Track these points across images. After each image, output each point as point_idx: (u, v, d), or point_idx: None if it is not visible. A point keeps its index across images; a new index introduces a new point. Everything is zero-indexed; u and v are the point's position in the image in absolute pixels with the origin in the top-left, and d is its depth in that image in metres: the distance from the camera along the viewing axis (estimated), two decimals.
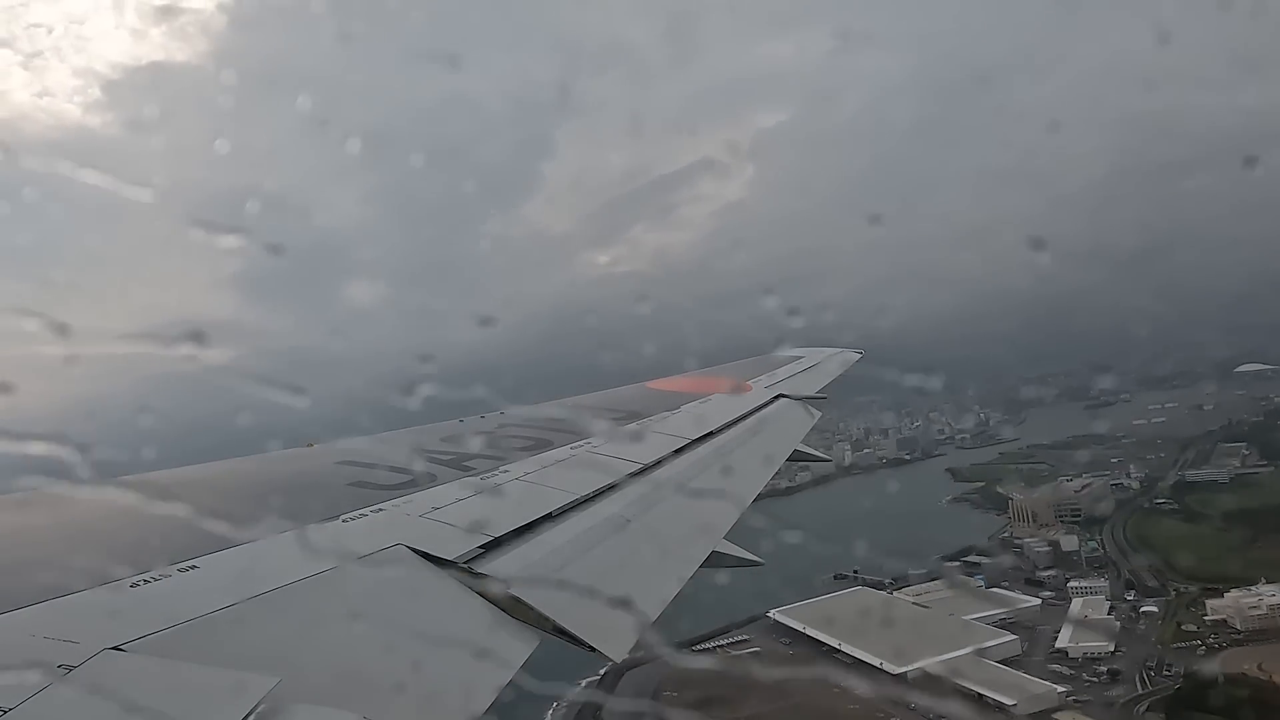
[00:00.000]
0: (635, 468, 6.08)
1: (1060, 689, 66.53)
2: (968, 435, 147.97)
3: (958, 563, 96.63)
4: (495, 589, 3.74)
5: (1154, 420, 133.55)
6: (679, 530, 5.64)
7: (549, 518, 4.76)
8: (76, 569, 3.10)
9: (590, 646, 3.64)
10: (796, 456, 8.81)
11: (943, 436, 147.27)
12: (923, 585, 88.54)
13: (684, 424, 7.87)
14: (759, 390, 10.54)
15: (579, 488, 5.31)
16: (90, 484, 4.70)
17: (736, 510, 6.27)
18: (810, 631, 78.29)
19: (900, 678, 65.04)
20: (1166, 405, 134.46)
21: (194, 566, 3.34)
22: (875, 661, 68.12)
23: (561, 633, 3.66)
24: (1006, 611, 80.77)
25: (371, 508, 4.43)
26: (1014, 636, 74.86)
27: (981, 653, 70.21)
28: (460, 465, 5.60)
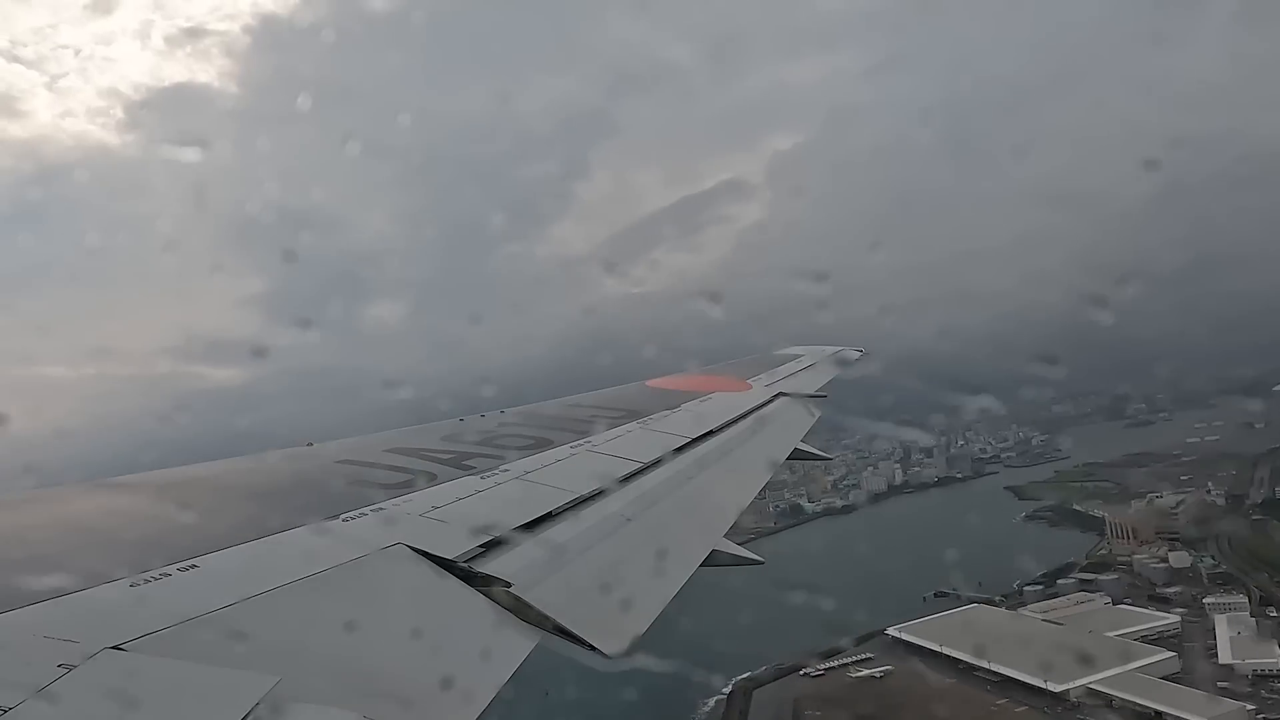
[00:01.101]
0: (635, 466, 6.08)
1: (1250, 706, 64.07)
2: (1013, 454, 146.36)
3: (1071, 579, 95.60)
4: (496, 588, 3.74)
5: (1207, 439, 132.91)
6: (679, 529, 5.64)
7: (549, 516, 4.76)
8: (76, 569, 3.10)
9: (591, 645, 3.65)
10: (797, 455, 8.81)
11: (985, 455, 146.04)
12: (1051, 602, 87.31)
13: (684, 423, 7.87)
14: (759, 389, 10.53)
15: (579, 486, 5.31)
16: (90, 484, 4.71)
17: (736, 509, 6.27)
18: (946, 650, 76.56)
19: (1061, 695, 64.68)
20: (1214, 424, 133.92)
21: (194, 566, 3.34)
22: (1031, 679, 66.89)
23: (562, 632, 3.66)
24: (1147, 629, 78.95)
25: (371, 507, 4.42)
26: (1172, 653, 72.66)
27: (1142, 670, 68.18)
28: (460, 464, 5.60)
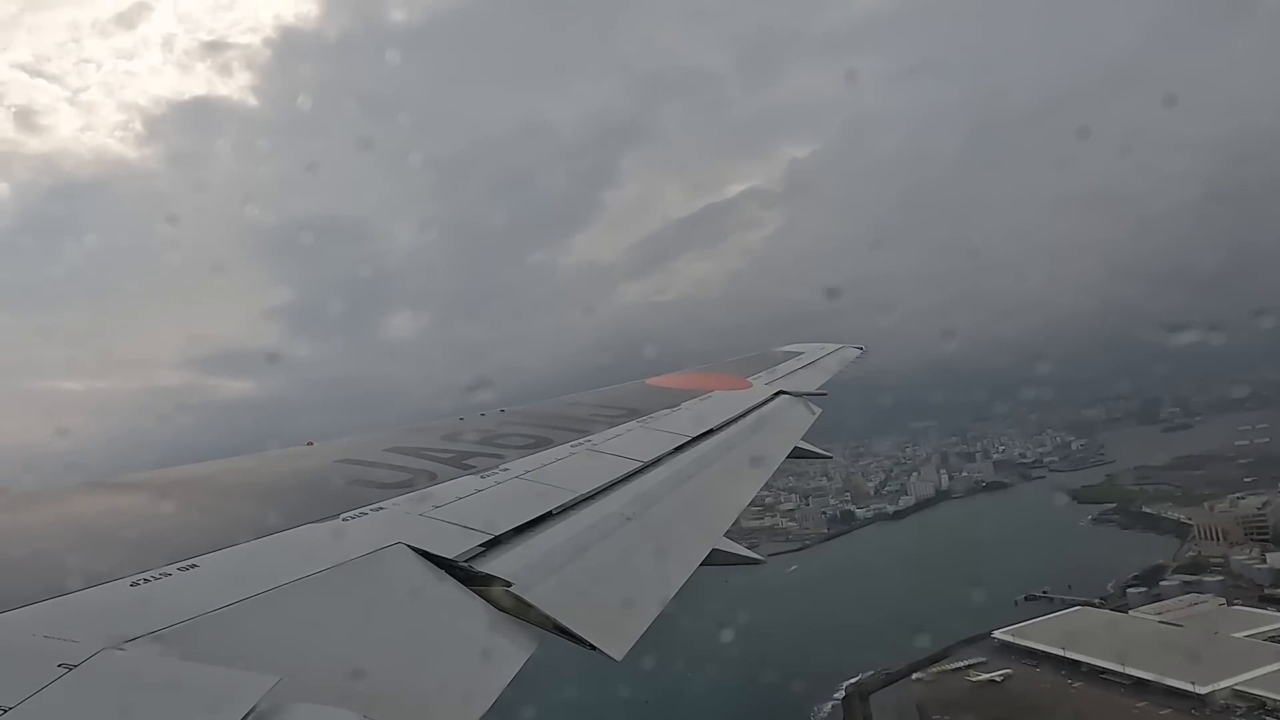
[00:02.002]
0: (635, 465, 6.08)
1: None
2: (1055, 459, 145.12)
3: (1174, 581, 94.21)
4: (496, 587, 3.74)
5: (1257, 440, 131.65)
6: (679, 528, 5.64)
7: (549, 516, 4.76)
8: (76, 568, 3.10)
9: (592, 645, 3.65)
10: (797, 453, 8.81)
11: (1027, 459, 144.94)
12: (1161, 603, 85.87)
13: (684, 421, 7.87)
14: (759, 387, 10.53)
15: (579, 485, 5.31)
16: (90, 484, 4.71)
17: (736, 508, 6.28)
18: (1069, 653, 74.99)
19: (1206, 698, 63.76)
20: (1258, 426, 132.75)
21: (194, 565, 3.34)
22: (1171, 682, 65.79)
23: (563, 631, 3.66)
24: (1272, 629, 77.14)
25: (371, 506, 4.42)
26: None
27: None
28: (460, 463, 5.60)
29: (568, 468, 5.87)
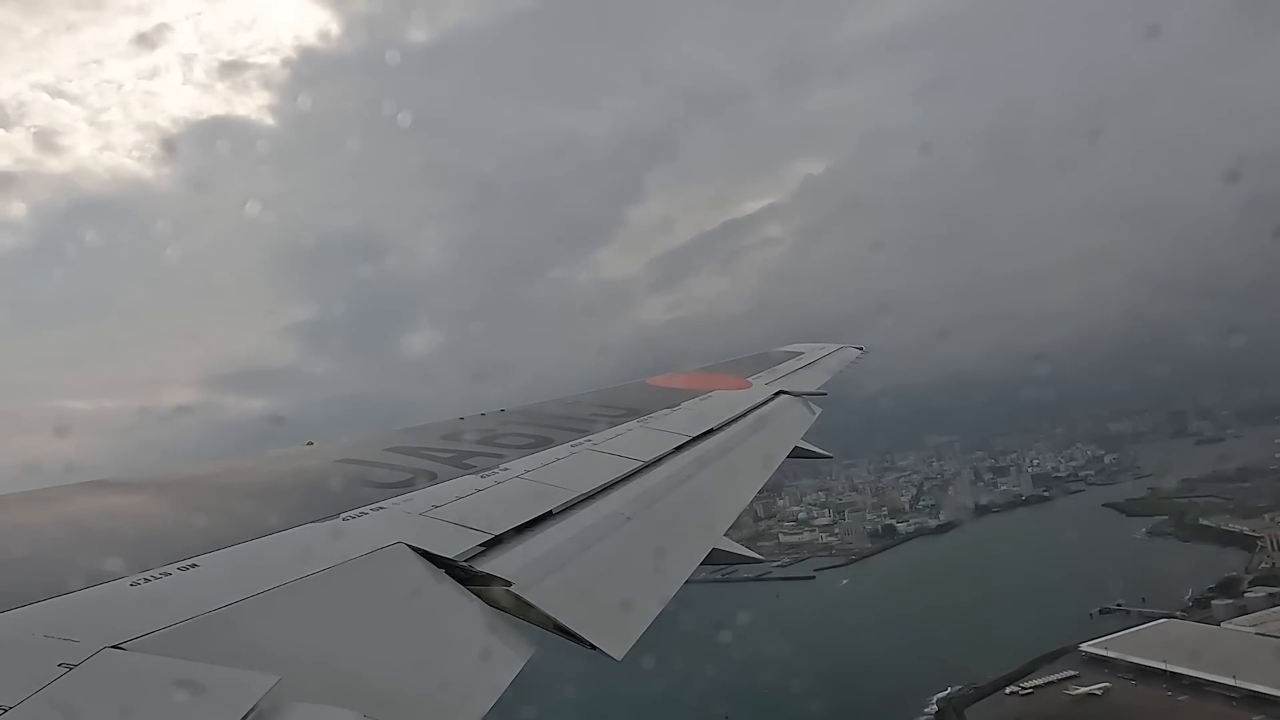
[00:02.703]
0: (636, 465, 6.08)
1: None
2: (1090, 472, 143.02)
3: (1260, 593, 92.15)
4: (496, 587, 3.74)
5: None
6: (680, 528, 5.64)
7: (550, 515, 4.75)
8: (76, 568, 3.09)
9: (592, 645, 3.64)
10: (798, 453, 8.81)
11: (1062, 473, 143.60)
12: (1257, 614, 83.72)
13: (684, 421, 7.86)
14: (759, 387, 10.53)
15: (580, 485, 5.30)
16: (90, 484, 4.70)
17: (737, 508, 6.27)
18: (1171, 667, 72.65)
19: None
20: None
21: (194, 565, 3.34)
22: None
23: (563, 631, 3.65)
24: None
25: (371, 506, 4.42)
26: None
27: None
28: (461, 463, 5.60)
29: (568, 467, 5.87)
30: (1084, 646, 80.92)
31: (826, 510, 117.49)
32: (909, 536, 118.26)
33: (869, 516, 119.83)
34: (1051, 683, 76.92)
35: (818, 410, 10.29)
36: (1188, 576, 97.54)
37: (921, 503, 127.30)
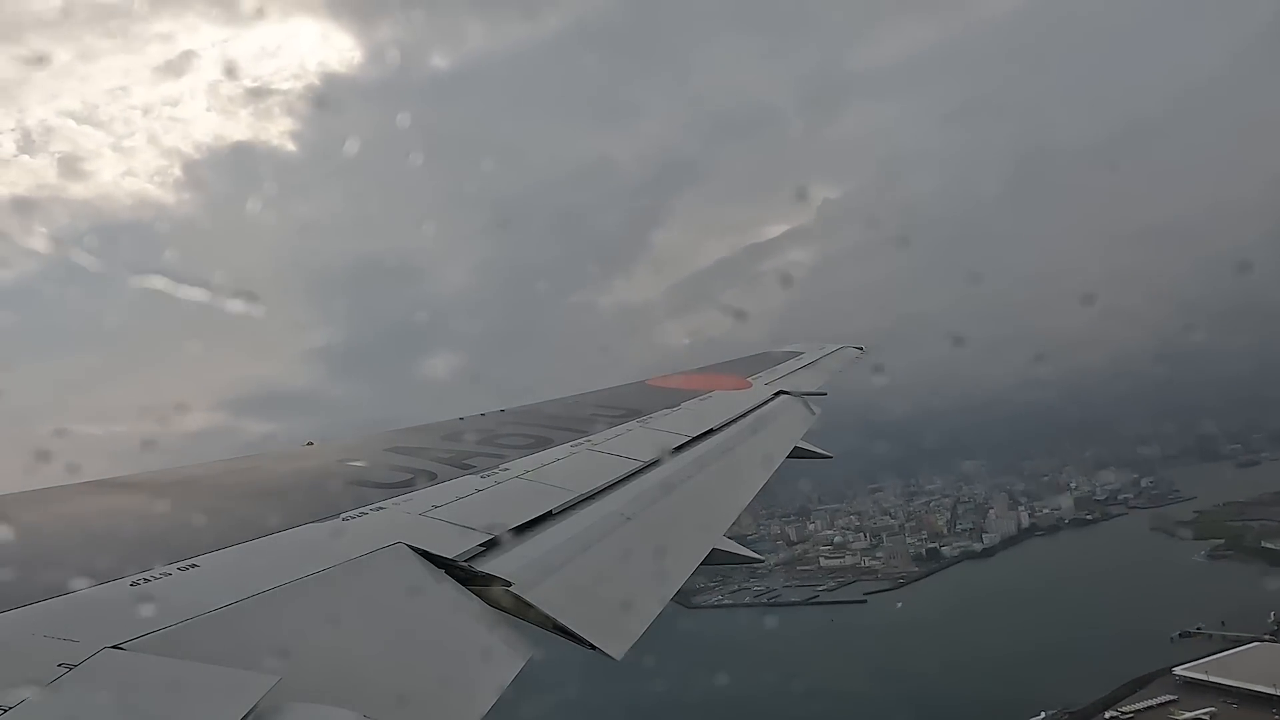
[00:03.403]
0: (635, 465, 6.08)
1: None
2: (1130, 495, 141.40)
3: None
4: (496, 587, 3.74)
5: None
6: (680, 528, 5.65)
7: (549, 516, 4.76)
8: (76, 568, 3.10)
9: (591, 645, 3.65)
10: (797, 454, 8.81)
11: (1101, 497, 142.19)
12: None
13: (684, 421, 7.87)
14: (759, 387, 10.53)
15: (579, 485, 5.30)
16: (90, 484, 4.70)
17: (737, 508, 6.27)
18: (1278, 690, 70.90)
19: None
20: None
21: (194, 565, 3.34)
22: None
23: (563, 631, 3.66)
24: None
25: (371, 506, 4.42)
26: None
27: None
28: (460, 463, 5.60)
29: (568, 468, 5.87)
30: (1177, 670, 79.35)
31: (862, 534, 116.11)
32: (955, 560, 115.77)
33: (909, 540, 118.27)
34: (1151, 707, 75.62)
35: (818, 410, 10.29)
36: (1265, 599, 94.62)
37: (959, 526, 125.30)
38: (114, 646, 2.56)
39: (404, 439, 6.45)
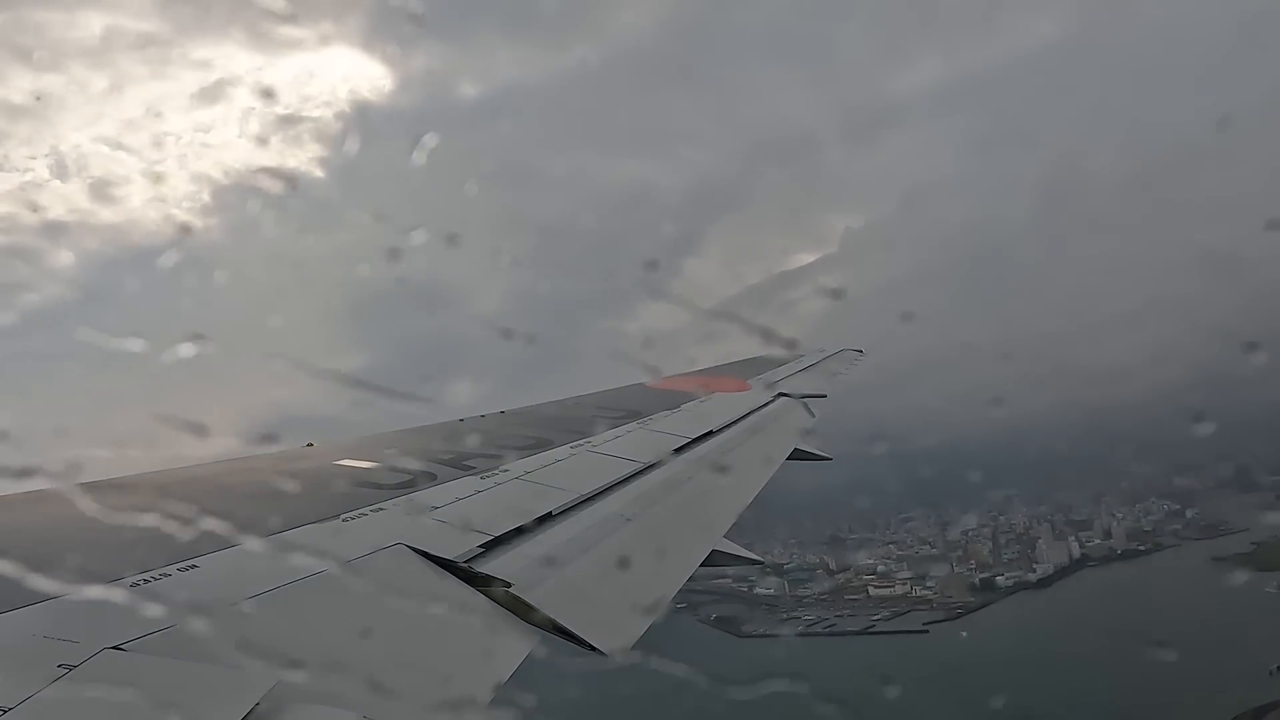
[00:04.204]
0: (635, 467, 6.08)
1: None
2: (1178, 526, 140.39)
3: None
4: (496, 588, 3.74)
5: None
6: (679, 529, 5.64)
7: (549, 517, 4.76)
8: (76, 569, 3.09)
9: (591, 645, 3.65)
10: (796, 455, 8.80)
11: (1147, 528, 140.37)
12: None
13: (684, 423, 7.87)
14: (759, 389, 10.53)
15: (579, 487, 5.31)
16: (90, 484, 4.70)
17: (736, 510, 6.27)
18: None
19: None
20: None
21: (194, 566, 3.34)
22: None
23: (562, 632, 3.65)
24: None
25: (371, 507, 4.42)
26: None
27: None
28: (460, 464, 5.60)
29: (568, 469, 5.87)
30: None
31: (904, 563, 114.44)
32: (1010, 590, 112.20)
33: (957, 569, 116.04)
34: None
35: (817, 413, 10.30)
36: None
37: (1005, 556, 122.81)
38: (114, 647, 2.56)
39: (404, 440, 6.45)
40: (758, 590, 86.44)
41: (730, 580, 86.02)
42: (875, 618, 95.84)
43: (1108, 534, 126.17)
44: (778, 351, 13.58)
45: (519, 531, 4.40)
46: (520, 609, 3.66)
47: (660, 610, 4.18)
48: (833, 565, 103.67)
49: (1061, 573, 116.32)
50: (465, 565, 3.87)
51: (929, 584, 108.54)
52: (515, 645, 3.46)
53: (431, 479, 5.17)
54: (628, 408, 8.22)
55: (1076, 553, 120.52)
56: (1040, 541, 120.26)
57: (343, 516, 4.22)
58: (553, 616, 3.65)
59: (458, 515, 4.49)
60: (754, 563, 5.70)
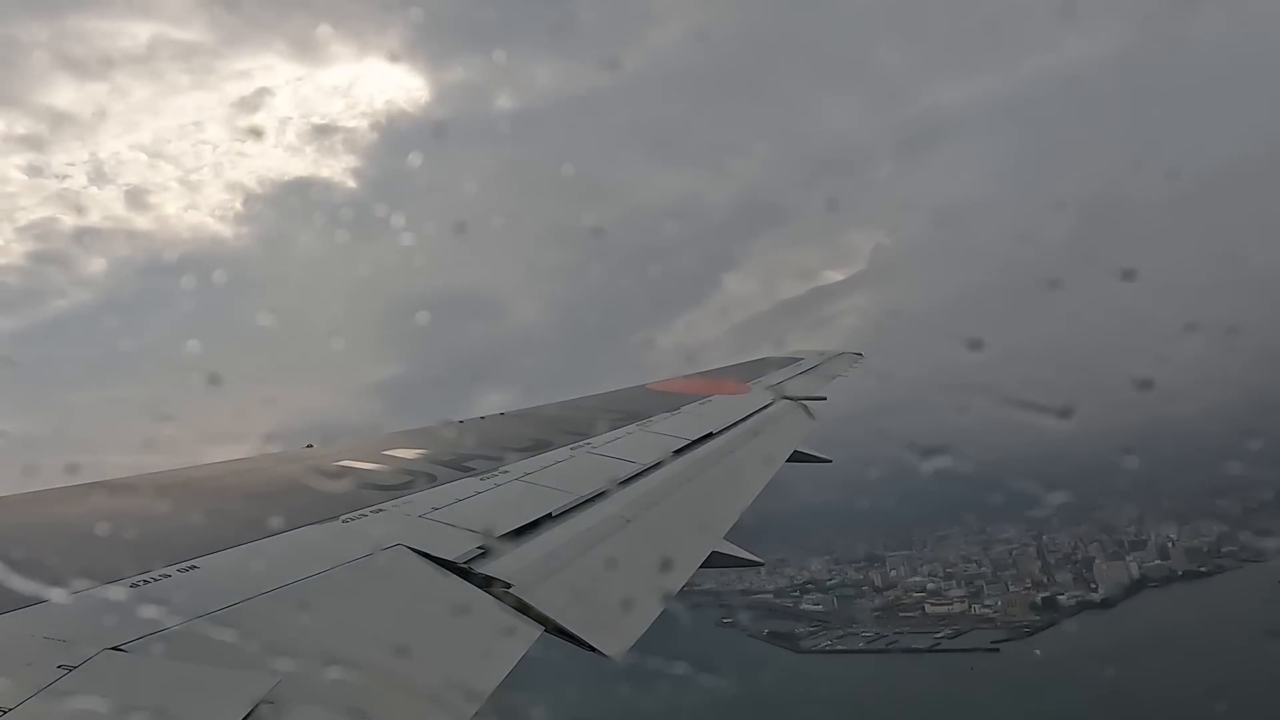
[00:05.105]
0: (635, 468, 6.08)
1: None
2: (1234, 548, 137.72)
3: None
4: (496, 589, 3.74)
5: None
6: (679, 530, 5.64)
7: (549, 518, 4.76)
8: (76, 569, 3.10)
9: (591, 646, 3.65)
10: (796, 457, 8.81)
11: (1205, 549, 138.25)
12: None
13: (684, 425, 7.88)
14: (759, 391, 10.54)
15: (579, 488, 5.31)
16: (90, 484, 4.70)
17: (736, 511, 6.27)
18: None
19: None
20: None
21: (194, 566, 3.34)
22: None
23: (562, 632, 3.66)
24: None
25: (371, 508, 4.42)
26: None
27: None
28: (460, 465, 5.60)
29: (567, 470, 5.88)
30: None
31: (953, 581, 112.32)
32: (1074, 610, 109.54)
33: (1011, 588, 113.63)
34: None
35: (816, 415, 10.30)
36: None
37: (1057, 575, 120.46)
38: (114, 648, 2.55)
39: (403, 441, 6.45)
40: (804, 606, 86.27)
41: (772, 595, 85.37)
42: (939, 635, 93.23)
43: (1163, 554, 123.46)
44: (778, 354, 13.60)
45: (519, 532, 4.40)
46: (520, 610, 3.66)
47: (660, 611, 4.18)
48: (878, 582, 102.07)
49: (1124, 593, 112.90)
50: (465, 566, 3.87)
51: (987, 602, 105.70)
52: (514, 646, 3.46)
53: (431, 480, 5.17)
54: (628, 409, 8.22)
55: (1135, 573, 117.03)
56: (1096, 561, 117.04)
57: (343, 518, 4.22)
58: (553, 617, 3.65)
59: (457, 516, 4.49)
60: (754, 564, 5.70)
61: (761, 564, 5.77)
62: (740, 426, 8.49)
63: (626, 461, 6.20)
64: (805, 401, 10.56)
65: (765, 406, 9.72)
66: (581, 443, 6.67)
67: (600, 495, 5.35)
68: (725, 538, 5.70)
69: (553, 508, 4.87)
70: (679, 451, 6.95)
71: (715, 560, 5.36)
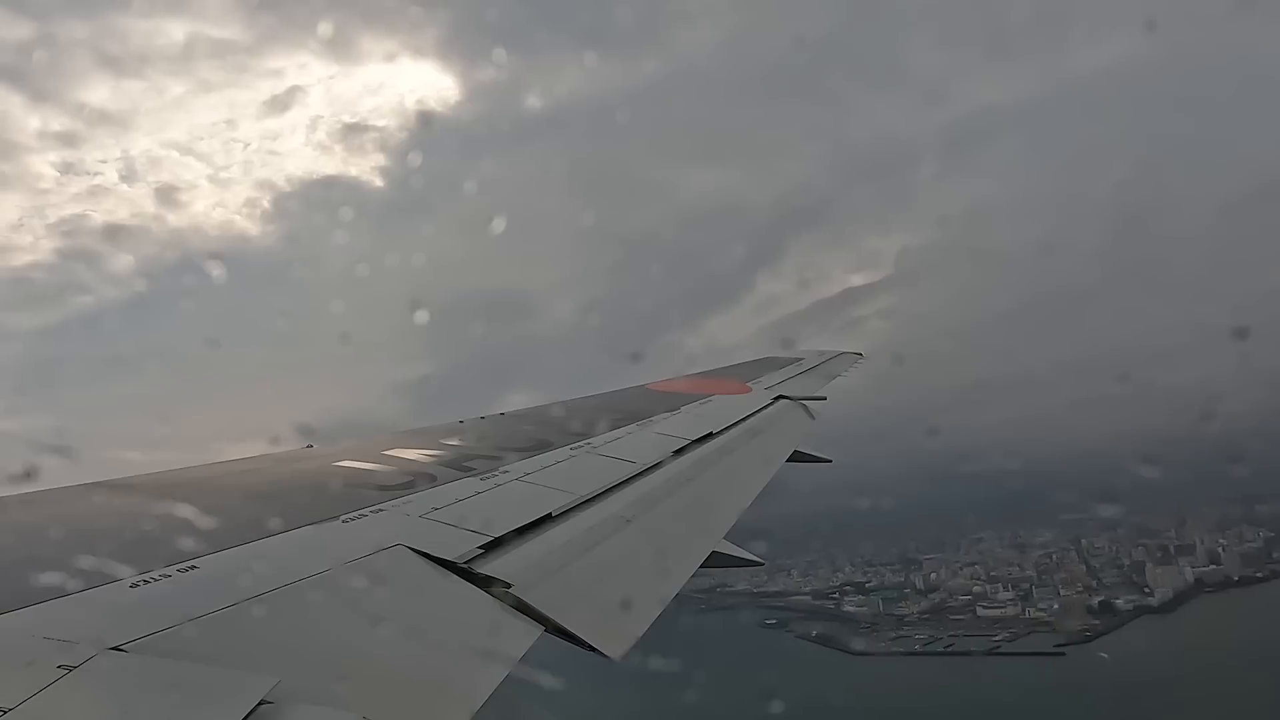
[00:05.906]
0: (635, 468, 6.08)
1: None
2: None
3: None
4: (496, 589, 3.74)
5: None
6: (679, 530, 5.64)
7: (549, 518, 4.76)
8: (76, 569, 3.09)
9: (590, 646, 3.65)
10: (796, 457, 8.80)
11: (1258, 554, 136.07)
12: None
13: (684, 425, 7.87)
14: (759, 391, 10.54)
15: (579, 488, 5.31)
16: (90, 484, 4.70)
17: (736, 511, 6.27)
18: None
19: None
20: None
21: (194, 566, 3.34)
22: None
23: (562, 633, 3.66)
24: None
25: (371, 508, 4.42)
26: None
27: None
28: (460, 465, 5.60)
29: (567, 470, 5.87)
30: None
31: (997, 584, 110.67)
32: (1132, 614, 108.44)
33: (1062, 592, 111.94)
34: None
35: (817, 415, 10.30)
36: None
37: (1105, 580, 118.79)
38: (114, 648, 2.55)
39: (403, 441, 6.45)
40: (845, 608, 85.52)
41: (810, 597, 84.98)
42: (996, 639, 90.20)
43: (1214, 559, 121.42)
44: (780, 354, 13.60)
45: (519, 532, 4.40)
46: (520, 610, 3.66)
47: (661, 610, 4.18)
48: (920, 585, 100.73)
49: (1182, 598, 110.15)
50: (465, 566, 3.87)
51: (1040, 606, 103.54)
52: (514, 646, 3.46)
53: (431, 480, 5.17)
54: (628, 410, 8.22)
55: (1190, 578, 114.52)
56: (1148, 566, 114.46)
57: (342, 518, 4.22)
58: (553, 617, 3.65)
59: (457, 516, 4.49)
60: (754, 564, 5.70)
61: (761, 563, 5.77)
62: (740, 426, 8.49)
63: (627, 461, 6.20)
64: (805, 401, 10.56)
65: (766, 406, 9.72)
66: (582, 443, 6.67)
67: (601, 495, 5.35)
68: (726, 537, 5.71)
69: (553, 508, 4.87)
70: (679, 451, 6.95)
71: (715, 560, 5.36)
